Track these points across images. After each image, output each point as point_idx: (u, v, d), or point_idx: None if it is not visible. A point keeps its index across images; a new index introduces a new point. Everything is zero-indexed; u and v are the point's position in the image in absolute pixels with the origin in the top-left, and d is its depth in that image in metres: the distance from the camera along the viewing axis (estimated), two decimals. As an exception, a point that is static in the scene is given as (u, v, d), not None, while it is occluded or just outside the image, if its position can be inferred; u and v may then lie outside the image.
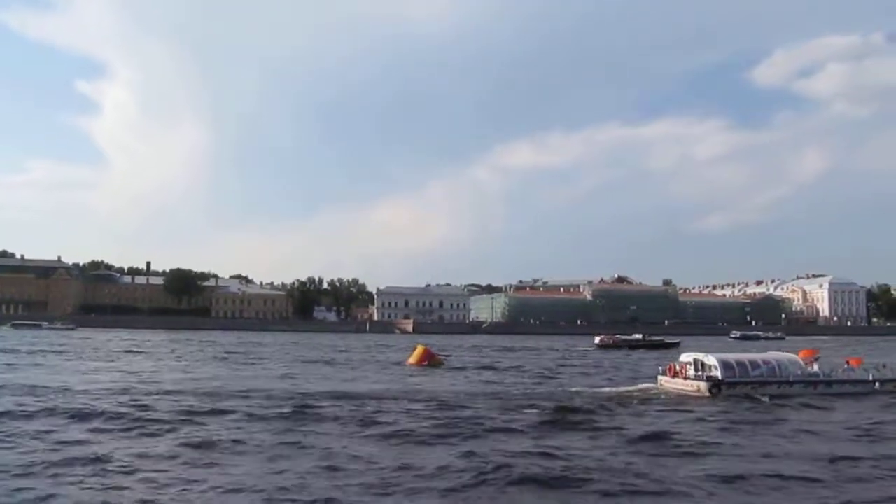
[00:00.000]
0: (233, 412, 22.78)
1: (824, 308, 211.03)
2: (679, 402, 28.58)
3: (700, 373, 31.65)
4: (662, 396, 30.36)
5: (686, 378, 31.94)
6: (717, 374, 30.87)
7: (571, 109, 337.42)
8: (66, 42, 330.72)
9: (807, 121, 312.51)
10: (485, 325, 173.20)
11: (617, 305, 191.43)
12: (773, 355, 34.17)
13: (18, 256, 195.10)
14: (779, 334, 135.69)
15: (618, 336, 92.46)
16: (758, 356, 33.67)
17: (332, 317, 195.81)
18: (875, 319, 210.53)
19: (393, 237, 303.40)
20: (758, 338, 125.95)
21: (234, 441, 17.97)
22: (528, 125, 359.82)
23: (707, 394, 30.18)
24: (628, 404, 27.50)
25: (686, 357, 33.32)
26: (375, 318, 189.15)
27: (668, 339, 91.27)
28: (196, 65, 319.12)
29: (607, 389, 32.13)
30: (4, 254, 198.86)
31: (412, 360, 49.26)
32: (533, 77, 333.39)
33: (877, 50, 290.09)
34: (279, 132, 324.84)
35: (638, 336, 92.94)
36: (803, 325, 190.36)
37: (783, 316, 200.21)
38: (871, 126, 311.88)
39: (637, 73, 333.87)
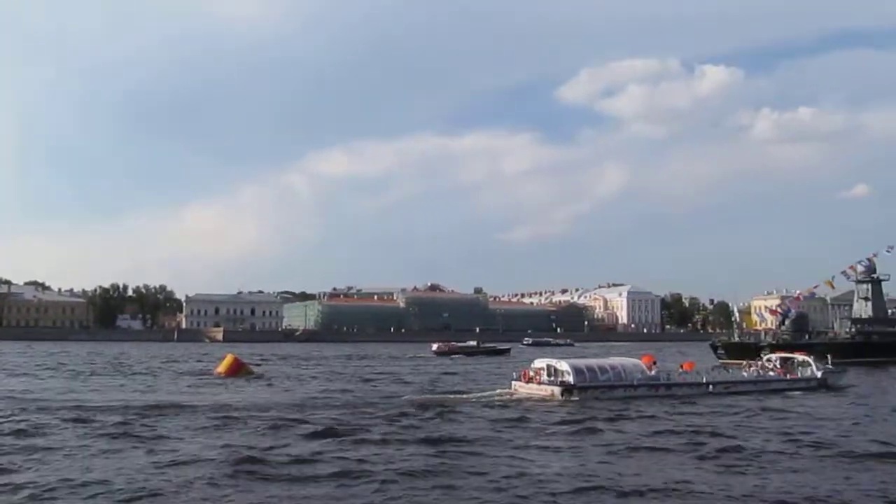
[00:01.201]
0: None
1: (623, 315, 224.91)
2: (529, 406, 30.05)
3: (553, 378, 33.50)
4: (515, 401, 31.84)
5: (540, 383, 33.67)
6: (570, 378, 32.72)
7: (386, 118, 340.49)
8: None
9: (608, 138, 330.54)
10: (298, 333, 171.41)
11: (430, 313, 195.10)
12: (619, 361, 36.88)
13: None
14: (568, 340, 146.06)
15: (453, 343, 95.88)
16: (606, 361, 36.39)
17: (137, 325, 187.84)
18: (668, 326, 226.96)
19: (202, 242, 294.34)
20: (548, 343, 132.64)
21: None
22: (343, 132, 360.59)
23: (559, 397, 31.94)
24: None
25: (539, 363, 35.29)
26: (184, 326, 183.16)
27: (501, 346, 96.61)
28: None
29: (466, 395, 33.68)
30: None
31: (221, 368, 48.46)
32: (348, 84, 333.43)
33: (672, 74, 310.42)
34: (69, 131, 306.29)
35: (473, 343, 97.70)
36: (604, 331, 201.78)
37: (586, 322, 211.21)
38: (664, 145, 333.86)
39: (454, 87, 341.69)
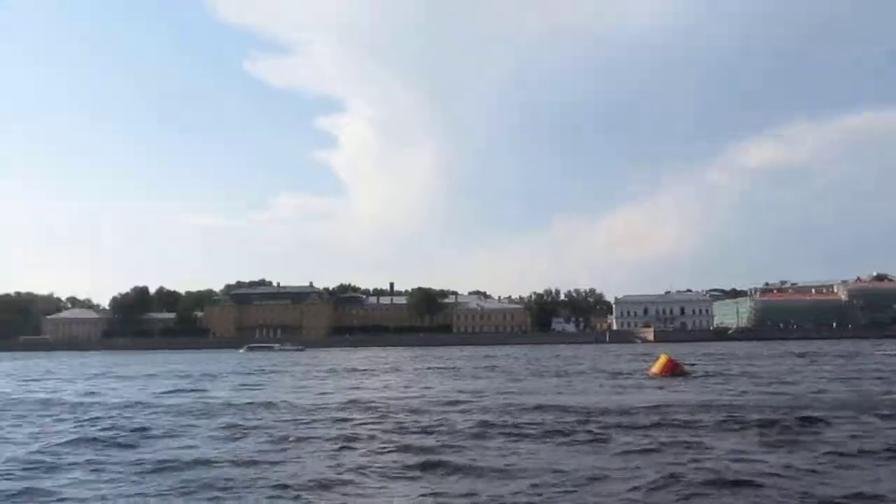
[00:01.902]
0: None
1: None
2: None
3: None
4: None
5: None
6: None
7: (817, 97, 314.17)
8: (304, 83, 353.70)
9: None
10: (731, 331, 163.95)
11: (877, 305, 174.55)
12: None
13: (275, 284, 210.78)
14: None
15: None
16: None
17: (570, 328, 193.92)
18: None
19: (626, 244, 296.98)
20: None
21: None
22: (762, 121, 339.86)
23: None
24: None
25: None
26: (614, 327, 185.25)
27: None
28: (427, 90, 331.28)
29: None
30: (263, 282, 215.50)
31: (654, 369, 46.60)
32: (772, 64, 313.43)
33: None
34: (506, 146, 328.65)
35: None
36: None
37: None
38: None
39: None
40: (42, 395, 35.60)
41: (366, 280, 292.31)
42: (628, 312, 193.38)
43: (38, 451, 17.26)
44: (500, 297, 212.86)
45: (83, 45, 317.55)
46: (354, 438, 18.98)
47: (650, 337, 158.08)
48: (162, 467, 14.92)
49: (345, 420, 23.02)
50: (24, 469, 14.95)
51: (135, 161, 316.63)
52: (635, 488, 12.37)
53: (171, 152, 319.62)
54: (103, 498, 12.32)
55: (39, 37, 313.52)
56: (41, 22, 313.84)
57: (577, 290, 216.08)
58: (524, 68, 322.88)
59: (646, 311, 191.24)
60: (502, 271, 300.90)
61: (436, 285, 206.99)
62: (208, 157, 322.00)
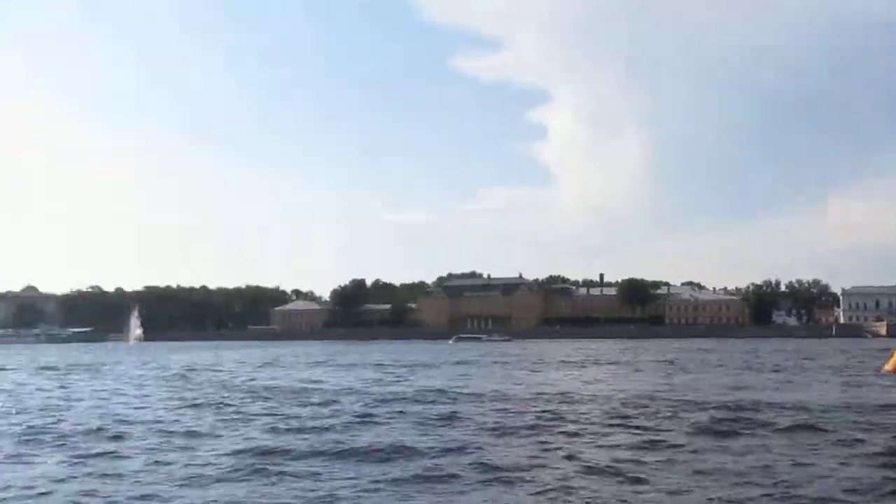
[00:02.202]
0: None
1: None
2: None
3: None
4: None
5: None
6: None
7: None
8: (510, 76, 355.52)
9: None
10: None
11: None
12: None
13: (485, 276, 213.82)
14: None
15: None
16: None
17: (792, 321, 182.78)
18: None
19: (856, 231, 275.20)
20: None
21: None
22: None
23: None
24: None
25: None
26: (841, 321, 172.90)
27: None
28: (631, 78, 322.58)
29: None
30: (473, 274, 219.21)
31: (890, 366, 42.55)
32: None
33: None
34: (709, 131, 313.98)
35: None
36: None
37: None
38: None
39: None
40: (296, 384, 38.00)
41: (574, 271, 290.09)
42: (857, 305, 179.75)
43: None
44: (714, 289, 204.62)
45: (315, 51, 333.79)
46: (567, 431, 18.58)
47: (882, 331, 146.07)
48: (381, 452, 15.25)
49: (554, 411, 22.67)
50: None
51: (352, 156, 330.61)
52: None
53: (387, 150, 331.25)
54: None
55: (275, 43, 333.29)
56: (277, 28, 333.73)
57: (798, 281, 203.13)
58: (719, 51, 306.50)
59: (877, 304, 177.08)
60: (714, 261, 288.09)
61: (645, 276, 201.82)
62: (421, 153, 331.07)
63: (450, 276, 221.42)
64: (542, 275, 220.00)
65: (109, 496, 11.76)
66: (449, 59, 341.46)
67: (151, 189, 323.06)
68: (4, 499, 11.73)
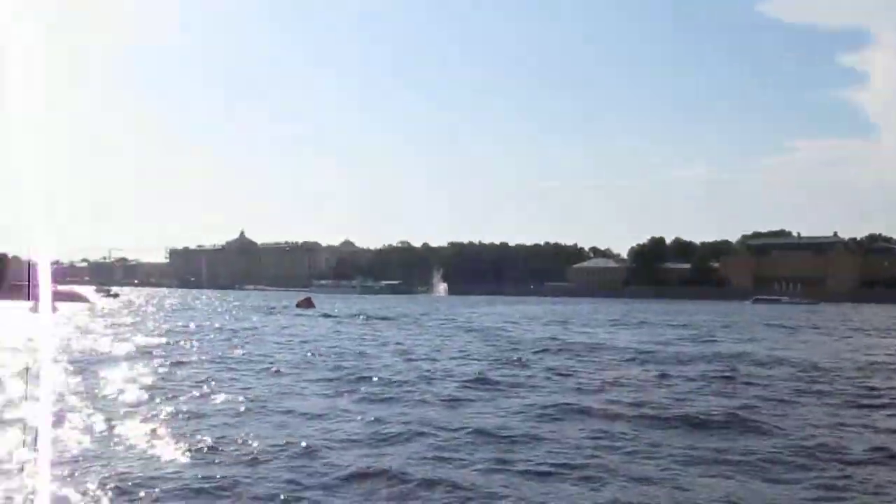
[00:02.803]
0: None
1: None
2: None
3: None
4: None
5: None
6: None
7: None
8: (821, 17, 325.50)
9: None
10: None
11: None
12: None
13: (794, 234, 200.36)
14: None
15: None
16: None
17: None
18: None
19: None
20: None
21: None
22: None
23: None
24: None
25: None
26: None
27: None
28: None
29: None
30: (782, 232, 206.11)
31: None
32: None
33: None
34: None
35: None
36: None
37: None
38: None
39: None
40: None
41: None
42: None
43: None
44: None
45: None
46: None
47: None
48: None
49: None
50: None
51: (653, 110, 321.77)
52: None
53: (682, 102, 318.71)
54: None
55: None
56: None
57: None
58: None
59: None
60: None
61: None
62: (722, 104, 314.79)
63: (755, 234, 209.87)
64: (859, 233, 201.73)
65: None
66: (756, 5, 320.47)
67: (462, 155, 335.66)
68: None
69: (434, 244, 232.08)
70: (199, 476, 10.25)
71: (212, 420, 14.22)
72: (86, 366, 22.02)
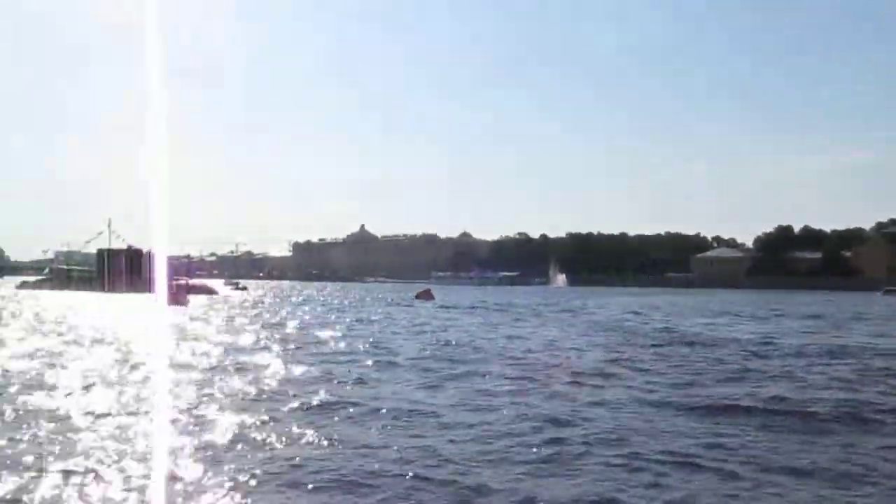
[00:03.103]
0: None
1: None
2: None
3: None
4: None
5: None
6: None
7: None
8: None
9: None
10: None
11: None
12: None
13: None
14: None
15: None
16: None
17: None
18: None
19: None
20: None
21: None
22: None
23: None
24: None
25: None
26: None
27: None
28: None
29: None
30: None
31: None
32: None
33: None
34: None
35: None
36: None
37: None
38: None
39: None
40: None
41: None
42: None
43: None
44: None
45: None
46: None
47: None
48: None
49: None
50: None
51: (776, 94, 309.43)
52: None
53: (809, 89, 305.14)
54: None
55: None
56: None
57: None
58: None
59: None
60: None
61: None
62: (849, 91, 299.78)
63: (892, 221, 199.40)
64: None
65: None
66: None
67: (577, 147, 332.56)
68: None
69: (552, 235, 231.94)
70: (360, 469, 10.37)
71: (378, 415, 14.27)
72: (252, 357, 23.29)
